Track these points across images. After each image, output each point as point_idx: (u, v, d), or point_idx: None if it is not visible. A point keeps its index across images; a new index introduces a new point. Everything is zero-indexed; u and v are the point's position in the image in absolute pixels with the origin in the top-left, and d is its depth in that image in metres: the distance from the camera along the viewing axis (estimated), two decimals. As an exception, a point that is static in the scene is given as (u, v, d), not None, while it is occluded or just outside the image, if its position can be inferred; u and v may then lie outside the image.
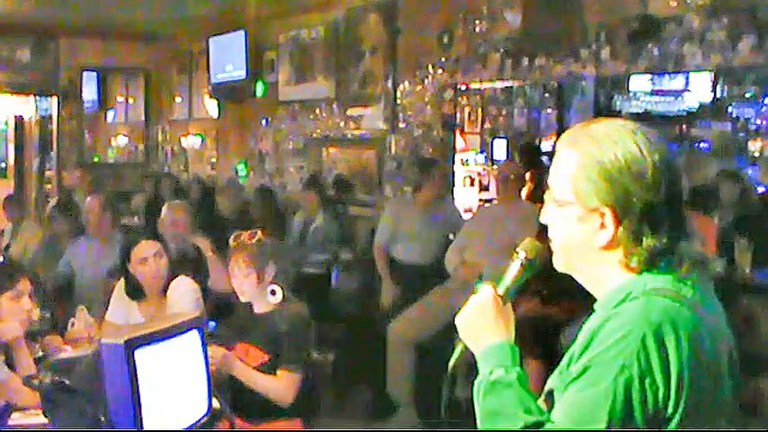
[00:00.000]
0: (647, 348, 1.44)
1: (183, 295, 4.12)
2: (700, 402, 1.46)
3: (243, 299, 3.76)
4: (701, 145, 8.86)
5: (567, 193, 1.58)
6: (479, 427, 1.63)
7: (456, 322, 1.76)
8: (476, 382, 1.66)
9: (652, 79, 9.10)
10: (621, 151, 1.52)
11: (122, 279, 4.25)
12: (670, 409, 1.45)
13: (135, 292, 4.15)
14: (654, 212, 1.51)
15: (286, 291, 3.72)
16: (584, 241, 1.58)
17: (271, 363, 3.59)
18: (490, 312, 1.71)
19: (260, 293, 3.69)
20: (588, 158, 1.55)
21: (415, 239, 6.09)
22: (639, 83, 9.32)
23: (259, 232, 3.80)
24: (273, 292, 3.67)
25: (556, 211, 1.62)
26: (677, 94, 9.30)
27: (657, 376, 1.43)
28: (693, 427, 1.47)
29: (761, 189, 7.60)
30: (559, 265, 1.66)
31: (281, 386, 3.57)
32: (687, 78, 8.96)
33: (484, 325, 1.71)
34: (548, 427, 1.52)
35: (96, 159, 12.42)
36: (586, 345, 1.51)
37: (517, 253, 1.76)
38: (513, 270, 1.76)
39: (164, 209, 5.80)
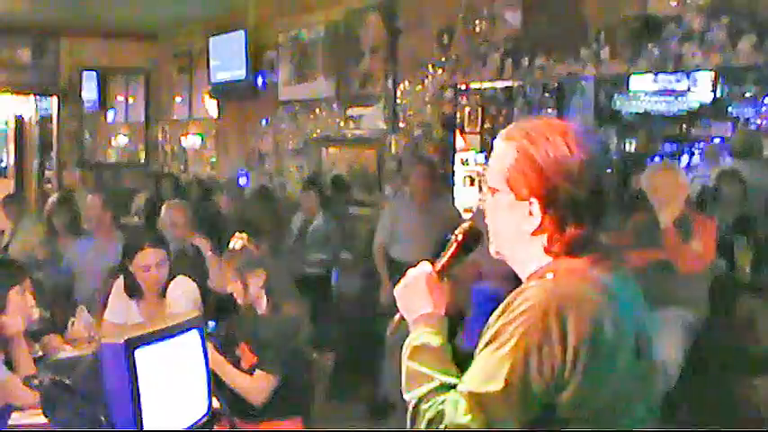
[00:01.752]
0: (548, 321, 1.56)
1: (182, 295, 4.13)
2: (596, 379, 1.58)
3: (239, 301, 3.78)
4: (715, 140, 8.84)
5: (500, 183, 1.73)
6: (402, 387, 1.75)
7: (394, 293, 1.90)
8: (404, 346, 1.80)
9: (652, 79, 9.09)
10: (552, 148, 1.66)
11: (121, 277, 4.25)
12: (564, 379, 1.57)
13: (133, 290, 4.15)
14: (577, 204, 1.66)
15: (278, 296, 3.72)
16: (514, 227, 1.73)
17: (257, 365, 3.61)
18: (422, 285, 1.85)
19: (249, 299, 3.72)
20: (522, 153, 1.69)
21: (413, 239, 6.09)
22: (639, 83, 9.31)
23: (244, 239, 3.81)
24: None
25: (490, 199, 1.77)
26: (677, 93, 9.29)
27: (555, 347, 1.56)
28: (587, 401, 1.59)
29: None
30: (493, 248, 1.81)
31: (253, 386, 3.60)
32: (687, 78, 8.96)
33: (416, 296, 1.85)
34: (459, 387, 1.64)
35: (96, 159, 12.41)
36: (500, 315, 1.64)
37: (455, 235, 1.89)
38: (449, 250, 1.90)
39: (163, 209, 5.81)
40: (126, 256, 4.18)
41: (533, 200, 1.67)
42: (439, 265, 1.89)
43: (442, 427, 1.62)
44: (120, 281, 4.26)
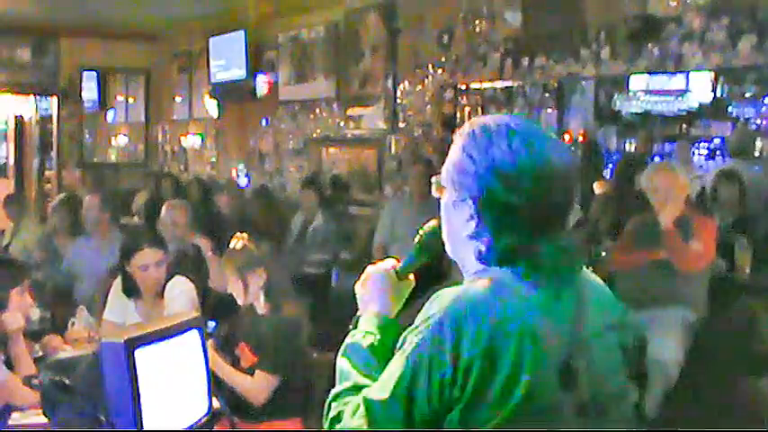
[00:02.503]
0: (443, 332, 1.48)
1: (180, 295, 4.13)
2: (493, 400, 1.47)
3: (239, 302, 3.78)
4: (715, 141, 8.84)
5: (445, 181, 1.65)
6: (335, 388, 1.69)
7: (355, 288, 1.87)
8: None
9: (652, 79, 9.08)
10: (492, 150, 1.55)
11: (119, 277, 4.25)
12: (454, 396, 1.47)
13: (132, 290, 4.15)
14: (513, 212, 1.54)
15: (278, 296, 3.72)
16: (455, 229, 1.64)
17: (257, 365, 3.61)
18: (376, 283, 1.82)
19: (249, 299, 3.72)
20: (462, 151, 1.60)
21: (411, 239, 6.09)
22: (639, 82, 9.30)
23: (245, 238, 3.81)
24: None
25: (442, 197, 1.69)
26: (677, 93, 9.27)
27: (446, 362, 1.47)
28: (480, 422, 1.48)
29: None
30: (446, 248, 1.72)
31: (254, 386, 3.60)
32: (687, 78, 8.95)
33: (369, 293, 1.82)
34: (363, 391, 1.58)
35: (96, 159, 12.41)
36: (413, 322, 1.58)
37: (419, 234, 1.84)
38: (412, 249, 1.85)
39: (163, 209, 5.80)
40: (124, 256, 4.18)
41: (470, 202, 1.58)
42: (400, 265, 1.85)
43: (338, 427, 1.59)
44: (118, 280, 4.26)
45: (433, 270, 1.90)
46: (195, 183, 9.85)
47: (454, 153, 1.63)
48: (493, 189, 1.54)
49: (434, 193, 1.70)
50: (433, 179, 1.70)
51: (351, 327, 1.80)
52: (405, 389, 1.50)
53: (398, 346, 1.58)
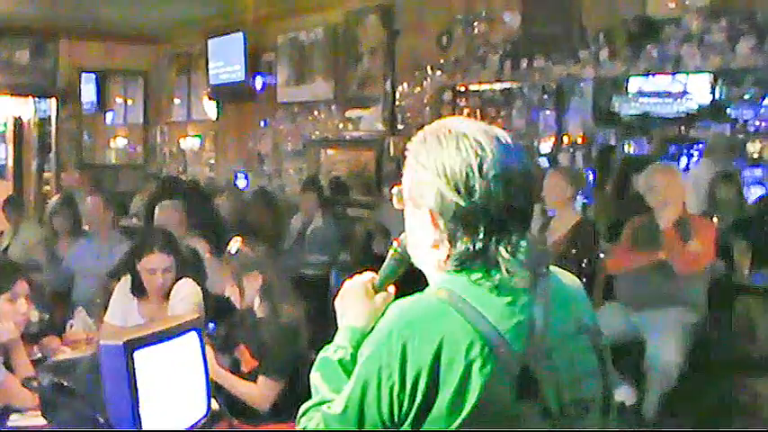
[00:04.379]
0: (391, 346, 1.47)
1: (185, 298, 4.11)
2: (443, 411, 1.45)
3: (237, 305, 3.77)
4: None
5: (404, 190, 1.63)
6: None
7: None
8: None
9: (651, 81, 9.09)
10: (441, 155, 1.53)
11: (123, 279, 4.24)
12: (404, 408, 1.46)
13: (139, 289, 4.13)
14: (468, 217, 1.51)
15: (276, 299, 3.71)
16: (418, 238, 1.61)
17: (258, 369, 3.60)
18: (352, 297, 1.78)
19: (247, 302, 3.71)
20: (415, 158, 1.58)
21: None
22: (638, 84, 9.29)
23: (241, 241, 3.80)
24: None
25: (405, 207, 1.66)
26: (676, 95, 9.27)
27: (395, 374, 1.46)
28: (430, 430, 1.47)
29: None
30: (413, 260, 1.69)
31: (257, 393, 3.58)
32: (686, 80, 8.95)
33: (344, 306, 1.79)
34: (323, 407, 1.59)
35: (95, 161, 12.40)
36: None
37: (393, 247, 1.80)
38: (388, 261, 1.80)
39: (156, 210, 5.80)
40: (134, 254, 4.16)
41: (426, 210, 1.55)
42: (378, 278, 1.81)
43: None
44: (122, 283, 4.25)
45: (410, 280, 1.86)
46: (193, 184, 9.86)
47: (409, 161, 1.61)
48: (444, 194, 1.51)
49: (396, 205, 1.67)
50: (394, 190, 1.67)
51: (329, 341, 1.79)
52: (357, 402, 1.50)
53: (358, 361, 1.57)
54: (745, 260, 5.19)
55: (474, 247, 1.52)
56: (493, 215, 1.51)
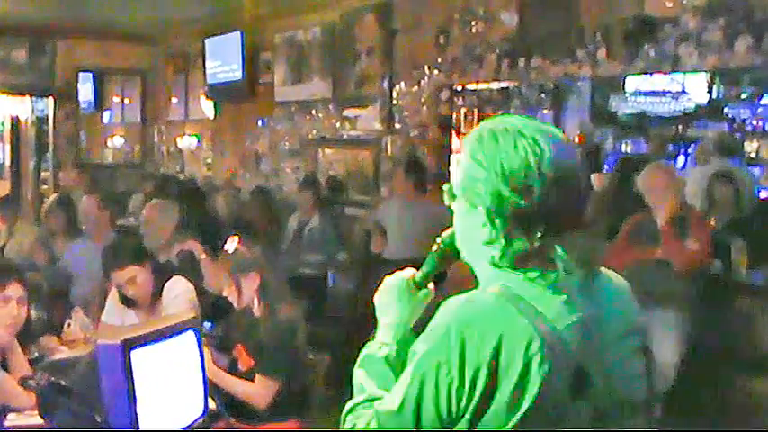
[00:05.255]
0: (450, 342, 1.47)
1: (179, 296, 4.11)
2: (501, 407, 1.46)
3: (234, 305, 3.77)
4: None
5: (457, 188, 1.63)
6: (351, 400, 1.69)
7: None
8: None
9: (648, 80, 9.10)
10: (500, 154, 1.53)
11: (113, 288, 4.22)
12: (462, 405, 1.47)
13: (127, 301, 4.11)
14: (525, 215, 1.51)
15: (273, 298, 3.71)
16: (470, 236, 1.61)
17: (255, 368, 3.60)
18: (393, 293, 1.80)
19: (244, 302, 3.71)
20: (471, 156, 1.58)
21: (397, 239, 6.15)
22: (636, 83, 9.32)
23: (237, 241, 3.80)
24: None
25: (454, 205, 1.66)
26: (673, 94, 9.29)
27: (454, 370, 1.46)
28: (487, 427, 1.47)
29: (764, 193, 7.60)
30: (462, 255, 1.69)
31: (255, 392, 3.58)
32: (683, 79, 8.96)
33: (385, 303, 1.80)
34: (375, 404, 1.60)
35: (92, 160, 12.40)
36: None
37: (437, 242, 1.81)
38: (430, 258, 1.81)
39: (146, 209, 5.79)
40: (105, 269, 4.13)
41: (481, 208, 1.55)
42: (419, 274, 1.82)
43: None
44: (114, 291, 4.23)
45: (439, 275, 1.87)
46: (190, 183, 9.87)
47: (463, 159, 1.60)
48: (502, 193, 1.51)
49: (446, 201, 1.67)
50: (445, 187, 1.67)
51: (371, 337, 1.80)
52: (414, 398, 1.50)
53: (410, 357, 1.58)
54: (742, 259, 5.20)
55: (530, 245, 1.52)
56: (549, 214, 1.51)
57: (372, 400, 1.62)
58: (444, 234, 1.78)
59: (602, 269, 1.66)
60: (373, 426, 1.56)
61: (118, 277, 4.02)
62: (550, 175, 1.50)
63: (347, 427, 1.63)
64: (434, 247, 1.81)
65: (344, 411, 1.66)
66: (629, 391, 1.60)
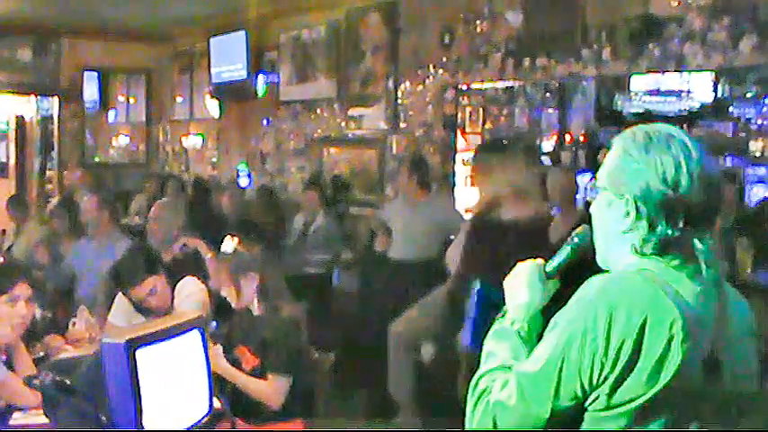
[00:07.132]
0: (596, 311, 1.59)
1: (191, 295, 4.10)
2: (638, 380, 1.57)
3: (234, 305, 3.77)
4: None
5: (603, 180, 1.76)
6: (480, 367, 1.80)
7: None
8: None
9: (653, 79, 9.09)
10: (653, 150, 1.68)
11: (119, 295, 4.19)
12: (604, 373, 1.58)
13: (141, 310, 4.04)
14: (670, 206, 1.65)
15: (273, 297, 3.70)
16: (610, 225, 1.75)
17: (261, 367, 3.60)
18: (524, 277, 1.88)
19: (244, 301, 3.70)
20: (624, 151, 1.73)
21: (403, 238, 6.12)
22: (640, 83, 9.31)
23: (236, 241, 3.79)
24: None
25: (597, 197, 1.80)
26: (678, 94, 9.28)
27: (600, 338, 1.57)
28: (627, 400, 1.58)
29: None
30: (597, 249, 1.82)
31: (269, 390, 3.58)
32: (688, 78, 8.95)
33: (516, 286, 1.88)
34: (515, 366, 1.71)
35: (97, 159, 12.42)
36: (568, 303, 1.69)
37: (572, 236, 1.91)
38: (562, 250, 1.92)
39: (152, 208, 5.80)
40: (121, 288, 4.04)
41: (629, 197, 1.69)
42: (549, 265, 1.91)
43: (486, 399, 1.69)
44: (120, 296, 4.20)
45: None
46: (195, 183, 9.88)
47: (614, 155, 1.75)
48: (651, 183, 1.66)
49: (596, 187, 1.79)
50: (589, 183, 1.80)
51: (497, 318, 1.89)
52: (556, 364, 1.61)
53: (549, 328, 1.69)
54: (747, 259, 5.19)
55: (672, 232, 1.66)
56: (691, 208, 1.65)
57: (506, 366, 1.73)
58: (578, 229, 1.90)
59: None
60: (510, 386, 1.65)
61: (138, 293, 3.91)
62: (696, 174, 1.65)
63: (481, 387, 1.73)
64: (568, 240, 1.91)
65: (476, 376, 1.76)
66: (747, 389, 1.71)
